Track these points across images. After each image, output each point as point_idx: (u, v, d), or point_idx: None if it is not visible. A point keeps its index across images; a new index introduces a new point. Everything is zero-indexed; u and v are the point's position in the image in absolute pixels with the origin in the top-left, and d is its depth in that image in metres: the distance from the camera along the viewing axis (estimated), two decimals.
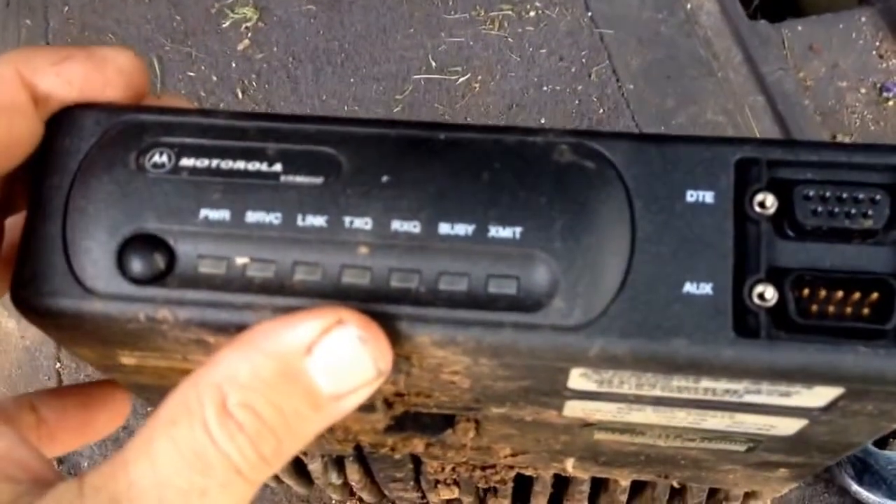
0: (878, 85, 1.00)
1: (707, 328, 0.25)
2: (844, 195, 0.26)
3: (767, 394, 0.27)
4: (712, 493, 0.50)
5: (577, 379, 0.28)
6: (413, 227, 0.26)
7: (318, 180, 0.26)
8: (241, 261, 0.26)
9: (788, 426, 0.31)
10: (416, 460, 0.48)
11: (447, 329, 0.26)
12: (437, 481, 0.50)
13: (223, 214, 0.26)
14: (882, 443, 0.80)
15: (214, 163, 0.27)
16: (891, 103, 0.99)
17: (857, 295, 0.25)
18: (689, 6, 1.08)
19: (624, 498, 0.51)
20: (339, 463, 0.50)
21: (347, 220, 0.26)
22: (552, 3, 1.10)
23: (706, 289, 0.25)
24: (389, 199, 0.26)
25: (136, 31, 1.11)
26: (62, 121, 0.28)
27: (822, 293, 0.25)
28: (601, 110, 1.00)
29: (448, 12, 1.10)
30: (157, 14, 1.13)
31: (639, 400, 0.29)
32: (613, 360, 0.25)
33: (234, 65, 1.08)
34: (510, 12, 1.10)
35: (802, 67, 1.00)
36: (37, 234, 0.27)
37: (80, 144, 0.28)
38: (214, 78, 1.07)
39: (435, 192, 0.26)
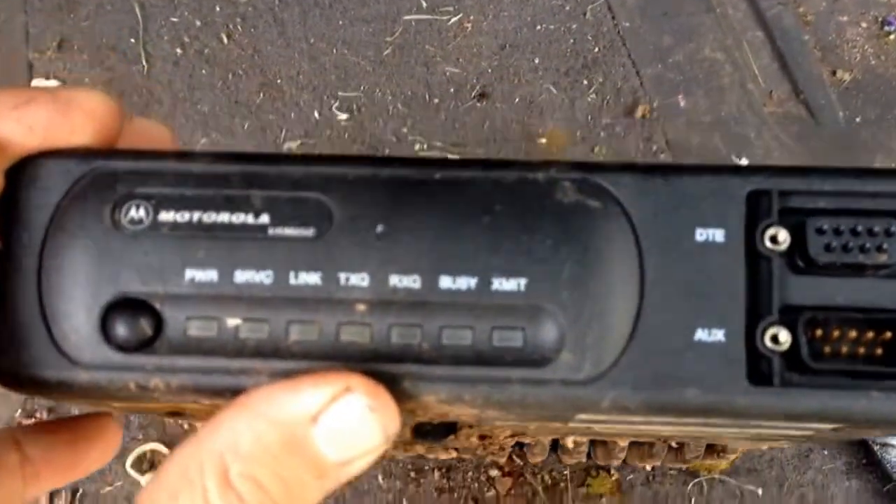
0: (880, 18, 0.98)
1: (720, 377, 0.24)
2: (859, 227, 0.25)
3: (778, 428, 0.27)
4: (709, 447, 0.50)
5: (585, 416, 0.27)
6: (412, 282, 0.25)
7: (309, 232, 0.25)
8: (232, 322, 0.25)
9: (796, 435, 0.31)
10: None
11: (453, 388, 0.25)
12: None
13: (210, 275, 0.25)
14: None
15: (196, 216, 0.25)
16: (892, 37, 0.96)
17: (870, 334, 0.25)
18: None
19: (622, 455, 0.51)
20: None
21: (343, 276, 0.25)
22: None
23: (718, 335, 0.24)
24: (386, 252, 0.25)
25: None
26: (25, 171, 0.26)
27: (836, 333, 0.25)
28: (596, 49, 0.98)
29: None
30: None
31: (648, 423, 0.29)
32: (624, 410, 0.25)
33: (218, 9, 1.05)
34: None
35: (802, 2, 0.97)
36: (11, 298, 0.25)
37: (47, 197, 0.25)
38: (198, 23, 1.04)
39: (433, 242, 0.25)
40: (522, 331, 0.24)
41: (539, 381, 0.25)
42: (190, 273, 0.25)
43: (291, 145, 0.93)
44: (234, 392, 0.25)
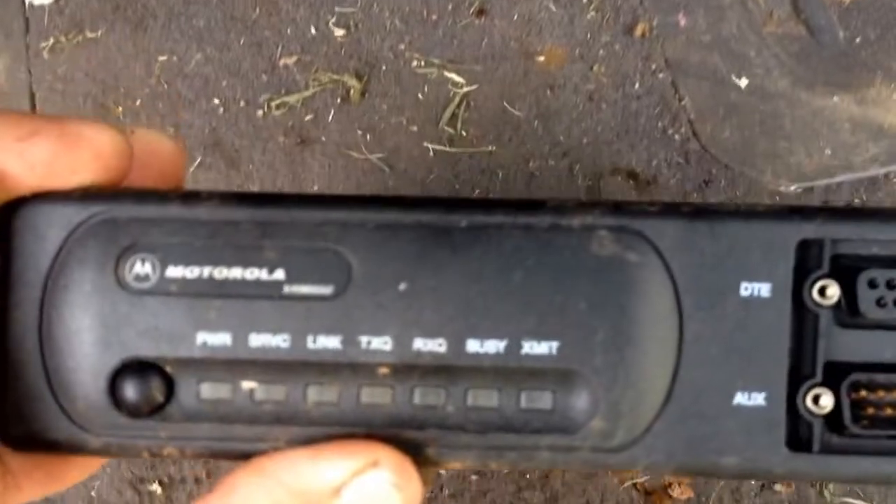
0: None
1: (758, 444, 0.23)
2: None
3: None
4: None
5: None
6: (438, 345, 0.23)
7: (328, 290, 0.24)
8: (247, 387, 0.24)
9: None
10: None
11: (479, 455, 0.24)
12: None
13: (224, 338, 0.24)
14: None
15: (206, 272, 0.24)
16: None
17: None
18: None
19: None
20: None
21: (364, 339, 0.23)
22: None
23: (759, 399, 0.23)
24: (409, 313, 0.23)
25: None
26: (19, 216, 0.24)
27: (880, 393, 0.24)
28: None
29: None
30: None
31: None
32: (657, 472, 0.24)
33: None
34: None
35: None
36: (12, 359, 0.24)
37: (44, 247, 0.24)
38: None
39: (460, 301, 0.23)
40: (553, 395, 0.23)
41: (569, 449, 0.24)
42: (202, 337, 0.24)
43: (288, 61, 0.92)
44: (252, 455, 0.24)
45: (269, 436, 0.24)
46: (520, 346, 0.23)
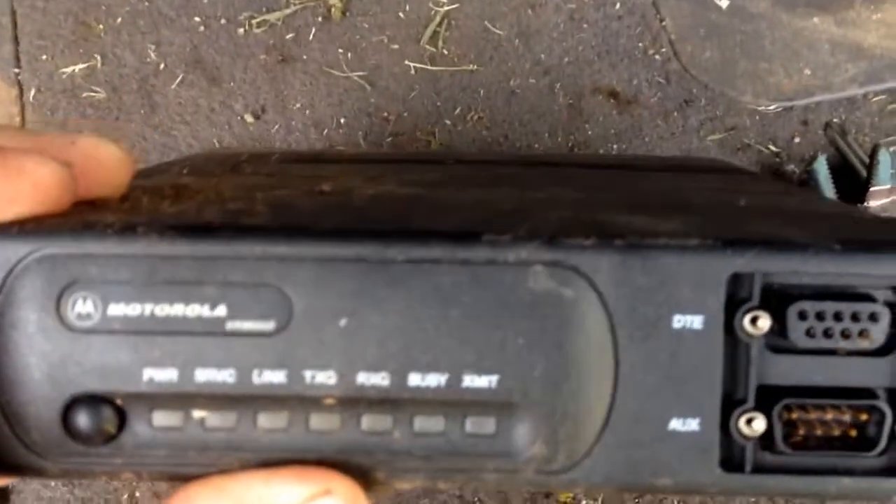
0: None
1: (693, 467, 0.24)
2: (842, 312, 0.24)
3: None
4: None
5: None
6: (381, 379, 0.24)
7: (269, 326, 0.24)
8: (198, 416, 0.24)
9: None
10: None
11: (427, 478, 0.25)
12: None
13: (170, 375, 0.24)
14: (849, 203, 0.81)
15: (148, 309, 0.24)
16: None
17: (846, 415, 0.25)
18: None
19: None
20: None
21: (308, 374, 0.24)
22: None
23: (693, 425, 0.24)
24: (351, 348, 0.24)
25: None
26: None
27: (811, 414, 0.25)
28: None
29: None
30: None
31: None
32: (597, 492, 0.25)
33: None
34: None
35: None
36: None
37: None
38: None
39: (400, 337, 0.24)
40: (495, 423, 0.24)
41: (513, 471, 0.25)
42: (148, 373, 0.24)
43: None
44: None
45: (222, 461, 0.24)
46: (460, 380, 0.24)
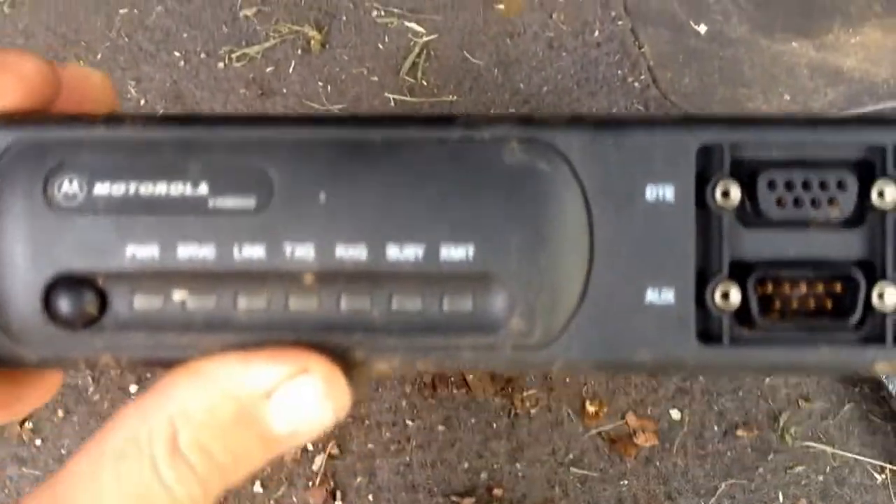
0: None
1: (670, 338, 0.24)
2: (811, 180, 0.25)
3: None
4: None
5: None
6: (359, 252, 0.24)
7: (251, 203, 0.24)
8: (179, 297, 0.25)
9: None
10: None
11: (405, 356, 0.25)
12: None
13: (152, 251, 0.24)
14: None
15: (132, 188, 0.24)
16: None
17: (820, 287, 0.25)
18: None
19: None
20: None
21: (288, 248, 0.24)
22: None
23: (668, 296, 0.24)
24: (330, 221, 0.24)
25: None
26: None
27: (786, 288, 0.25)
28: None
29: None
30: None
31: None
32: (575, 370, 0.25)
33: None
34: None
35: None
36: None
37: None
38: None
39: (378, 210, 0.24)
40: (472, 298, 0.24)
41: (490, 347, 0.25)
42: (131, 249, 0.24)
43: (248, 13, 0.92)
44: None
45: (201, 343, 0.25)
46: (438, 251, 0.24)
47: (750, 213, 0.25)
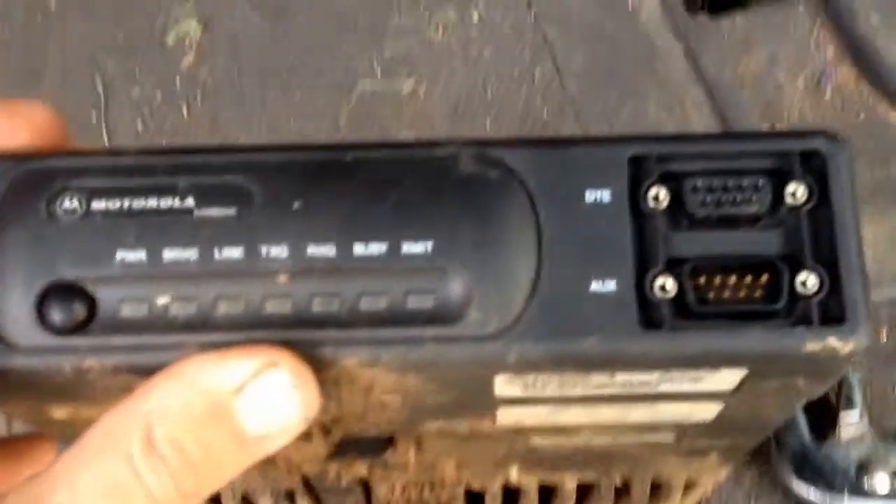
0: (815, 74, 1.01)
1: (615, 324, 0.26)
2: (730, 184, 0.27)
3: (679, 381, 0.29)
4: (654, 489, 0.50)
5: (503, 386, 0.29)
6: (328, 250, 0.27)
7: (232, 212, 0.27)
8: (162, 301, 0.26)
9: (706, 411, 0.33)
10: (367, 488, 0.48)
11: (371, 350, 0.26)
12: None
13: (140, 255, 0.26)
14: (821, 436, 0.81)
15: (126, 203, 0.27)
16: (828, 92, 1.00)
17: (748, 278, 0.27)
18: (630, 3, 1.09)
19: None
20: (289, 497, 0.51)
21: (264, 249, 0.27)
22: (495, 4, 1.10)
23: (611, 286, 0.27)
24: (303, 225, 0.27)
25: (77, 50, 1.11)
26: None
27: (718, 279, 0.27)
28: (545, 111, 1.01)
29: (393, 18, 1.10)
30: (99, 31, 1.12)
31: (565, 401, 0.31)
32: (531, 364, 0.27)
33: (178, 81, 1.07)
34: (453, 14, 1.10)
35: (741, 60, 1.01)
36: None
37: None
38: (159, 97, 1.07)
39: (346, 214, 0.27)
40: (432, 291, 0.26)
41: (450, 339, 0.26)
42: (120, 255, 0.26)
43: None
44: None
45: (183, 344, 0.26)
46: (399, 247, 0.27)
47: (679, 215, 0.27)
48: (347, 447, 0.37)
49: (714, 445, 0.40)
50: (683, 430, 0.36)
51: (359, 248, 0.27)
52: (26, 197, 0.27)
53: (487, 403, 0.31)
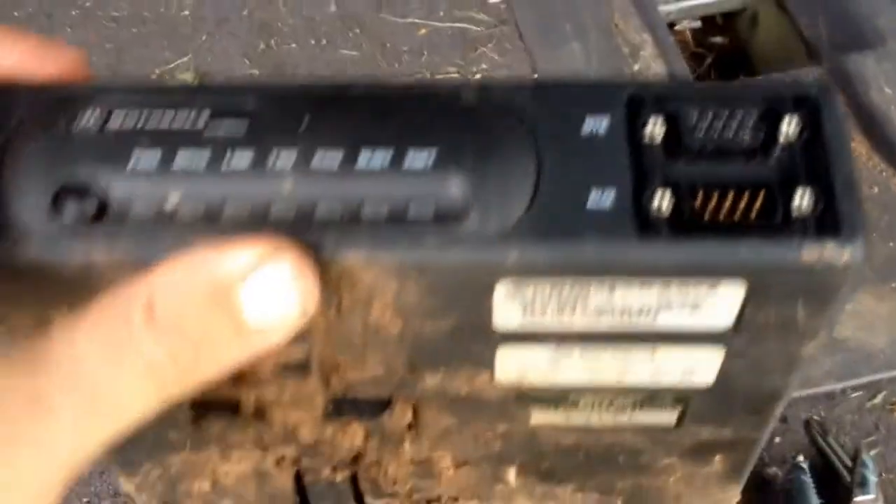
0: None
1: (613, 232, 0.27)
2: (725, 121, 0.29)
3: (678, 310, 0.29)
4: None
5: (502, 306, 0.29)
6: (333, 160, 0.28)
7: (243, 126, 0.28)
8: (172, 201, 0.27)
9: (707, 368, 0.33)
10: (359, 501, 0.47)
11: (372, 247, 0.27)
12: None
13: (152, 162, 0.28)
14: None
15: (142, 118, 0.28)
16: None
17: (745, 199, 0.28)
18: (636, 68, 1.07)
19: None
20: None
21: (272, 157, 0.28)
22: (498, 66, 1.08)
23: (608, 200, 0.27)
24: (310, 138, 0.28)
25: None
26: None
27: (714, 199, 0.28)
28: None
29: (395, 75, 1.08)
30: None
31: (564, 339, 0.31)
32: (530, 267, 0.28)
33: None
34: (457, 74, 1.08)
35: None
36: None
37: (6, 121, 0.29)
38: None
39: (353, 130, 0.28)
40: (434, 198, 0.27)
41: (450, 238, 0.27)
42: (133, 161, 0.28)
43: None
44: None
45: (189, 241, 0.26)
46: (403, 157, 0.27)
47: (676, 147, 0.28)
48: (345, 407, 0.37)
49: (718, 440, 0.39)
50: (685, 406, 0.36)
51: (363, 158, 0.28)
52: (48, 115, 0.29)
53: (486, 338, 0.31)
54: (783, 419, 0.87)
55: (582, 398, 0.36)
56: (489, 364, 0.33)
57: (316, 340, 0.30)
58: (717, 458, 0.40)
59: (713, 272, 0.28)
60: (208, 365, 0.26)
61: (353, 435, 0.39)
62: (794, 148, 0.28)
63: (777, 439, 0.86)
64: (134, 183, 0.28)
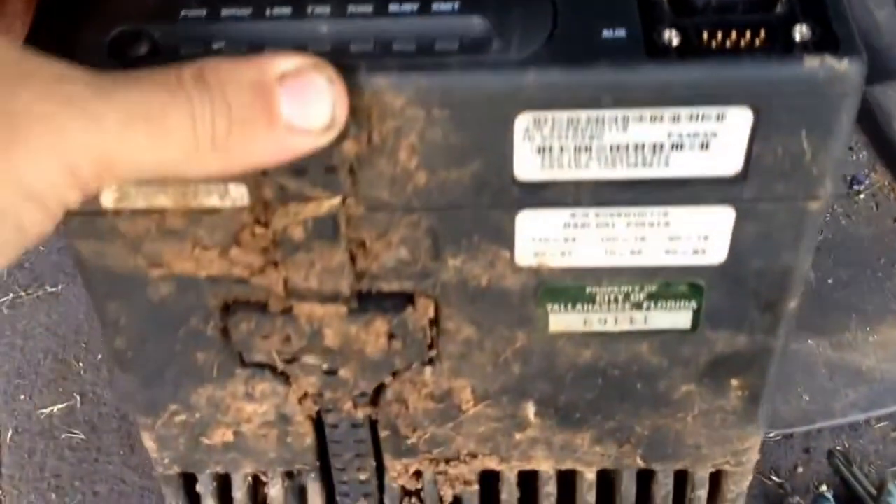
0: (848, 177, 0.96)
1: (625, 55, 0.30)
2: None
3: (689, 148, 0.31)
4: (678, 485, 0.48)
5: (522, 147, 0.32)
6: (366, 7, 0.31)
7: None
8: (216, 45, 0.31)
9: (719, 231, 0.34)
10: (381, 477, 0.48)
11: (401, 73, 0.30)
12: (403, 492, 0.49)
13: (199, 12, 0.31)
14: None
15: None
16: (861, 196, 0.95)
17: (748, 34, 0.30)
18: None
19: (591, 498, 0.49)
20: (300, 493, 0.50)
21: (310, 7, 0.31)
22: None
23: (621, 33, 0.30)
24: None
25: None
26: None
27: (720, 34, 0.30)
28: None
29: None
30: None
31: (580, 203, 0.33)
32: (549, 90, 0.30)
33: None
34: None
35: None
36: (43, 27, 0.32)
37: None
38: None
39: None
40: (458, 30, 0.30)
41: (475, 63, 0.30)
42: (183, 12, 0.31)
43: None
44: None
45: None
46: (430, 4, 0.31)
47: (682, 5, 0.31)
48: (370, 304, 0.38)
49: (733, 358, 0.40)
50: (699, 303, 0.37)
51: (394, 5, 0.31)
52: None
53: (507, 197, 0.33)
54: (805, 450, 0.84)
55: (598, 291, 0.37)
56: (509, 239, 0.35)
57: (346, 183, 0.32)
58: (734, 383, 0.41)
59: (720, 97, 0.30)
60: (239, 147, 0.28)
61: (378, 334, 0.40)
62: (793, 2, 0.30)
63: (800, 469, 0.83)
64: (182, 31, 0.31)
